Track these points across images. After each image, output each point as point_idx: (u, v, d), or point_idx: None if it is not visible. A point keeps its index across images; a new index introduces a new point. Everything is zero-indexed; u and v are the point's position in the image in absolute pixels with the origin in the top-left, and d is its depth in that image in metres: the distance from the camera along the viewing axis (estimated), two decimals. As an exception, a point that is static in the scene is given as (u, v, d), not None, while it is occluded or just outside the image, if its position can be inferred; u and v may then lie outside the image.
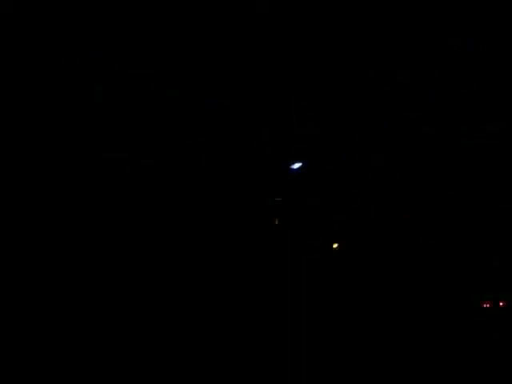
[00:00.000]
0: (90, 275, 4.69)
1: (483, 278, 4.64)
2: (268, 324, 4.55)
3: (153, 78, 5.02)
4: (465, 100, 5.09)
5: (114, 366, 4.34)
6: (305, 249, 4.84)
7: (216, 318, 4.60)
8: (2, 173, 4.80)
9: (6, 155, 4.82)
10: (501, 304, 4.46)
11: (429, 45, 5.08)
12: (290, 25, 5.04)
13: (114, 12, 4.89)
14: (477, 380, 4.07)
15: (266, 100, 5.07)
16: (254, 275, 4.75)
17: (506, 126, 5.01)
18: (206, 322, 4.57)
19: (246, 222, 4.92)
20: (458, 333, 4.35)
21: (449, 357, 4.22)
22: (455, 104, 5.09)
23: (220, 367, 4.31)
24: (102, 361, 4.37)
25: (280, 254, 4.83)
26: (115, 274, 4.72)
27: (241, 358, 4.34)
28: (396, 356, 4.25)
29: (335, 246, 4.86)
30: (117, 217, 4.86)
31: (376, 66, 5.07)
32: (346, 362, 4.26)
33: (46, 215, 4.81)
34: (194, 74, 5.07)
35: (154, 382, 4.27)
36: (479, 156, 5.01)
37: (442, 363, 4.18)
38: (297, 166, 4.76)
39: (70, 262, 4.72)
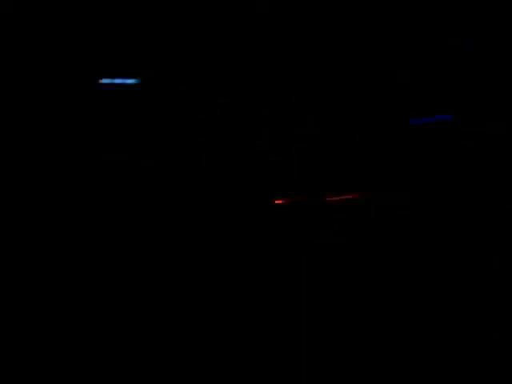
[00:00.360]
0: (89, 275, 4.70)
1: (483, 278, 4.65)
2: (267, 324, 4.55)
3: (153, 77, 5.03)
4: (465, 100, 5.09)
5: (114, 366, 4.35)
6: (305, 249, 4.85)
7: (215, 317, 4.60)
8: (2, 173, 4.81)
9: (5, 155, 4.82)
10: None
11: (429, 45, 5.08)
12: (289, 25, 5.05)
13: (114, 12, 4.90)
14: (477, 380, 4.08)
15: (266, 100, 5.07)
16: (254, 275, 4.76)
17: (506, 125, 5.02)
18: (206, 322, 4.58)
19: (247, 221, 4.92)
20: (457, 332, 4.36)
21: (448, 356, 4.23)
22: (455, 104, 5.10)
23: (220, 367, 4.32)
24: (101, 361, 4.37)
25: (280, 254, 4.84)
26: (115, 274, 4.72)
27: (241, 358, 4.35)
28: (396, 355, 4.26)
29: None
30: (117, 216, 4.87)
31: (376, 65, 5.08)
32: (346, 362, 4.26)
33: (45, 215, 4.81)
34: (194, 74, 5.08)
35: (154, 382, 4.28)
36: (479, 156, 5.01)
37: (442, 363, 4.19)
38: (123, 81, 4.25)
39: (70, 262, 4.72)
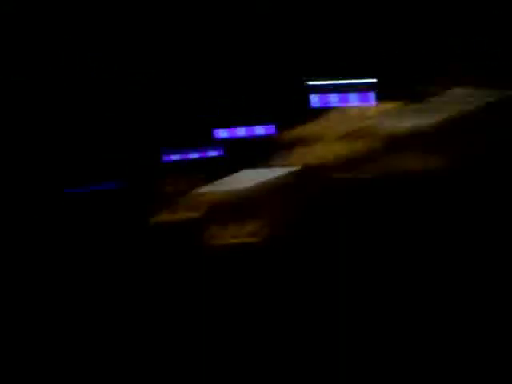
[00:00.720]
0: (88, 274, 4.71)
1: (484, 277, 4.65)
2: (268, 323, 4.56)
3: (153, 77, 5.04)
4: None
5: (114, 366, 4.35)
6: (304, 247, 4.85)
7: (215, 316, 4.61)
8: (2, 172, 4.82)
9: (5, 155, 4.83)
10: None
11: (429, 44, 5.09)
12: (290, 25, 5.06)
13: (114, 12, 4.91)
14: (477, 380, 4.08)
15: (265, 100, 5.08)
16: (255, 274, 4.77)
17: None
18: (205, 321, 4.58)
19: (249, 221, 4.93)
20: (458, 332, 4.36)
21: (449, 356, 4.23)
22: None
23: (220, 367, 4.32)
24: (101, 361, 4.38)
25: (280, 253, 4.85)
26: (115, 273, 4.73)
27: (241, 358, 4.35)
28: (396, 355, 4.26)
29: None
30: (116, 215, 4.88)
31: (375, 65, 5.09)
32: (347, 361, 4.26)
33: (45, 214, 4.82)
34: (194, 74, 5.09)
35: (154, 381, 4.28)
36: (479, 156, 5.02)
37: (443, 362, 4.19)
38: None
39: (70, 262, 4.73)
